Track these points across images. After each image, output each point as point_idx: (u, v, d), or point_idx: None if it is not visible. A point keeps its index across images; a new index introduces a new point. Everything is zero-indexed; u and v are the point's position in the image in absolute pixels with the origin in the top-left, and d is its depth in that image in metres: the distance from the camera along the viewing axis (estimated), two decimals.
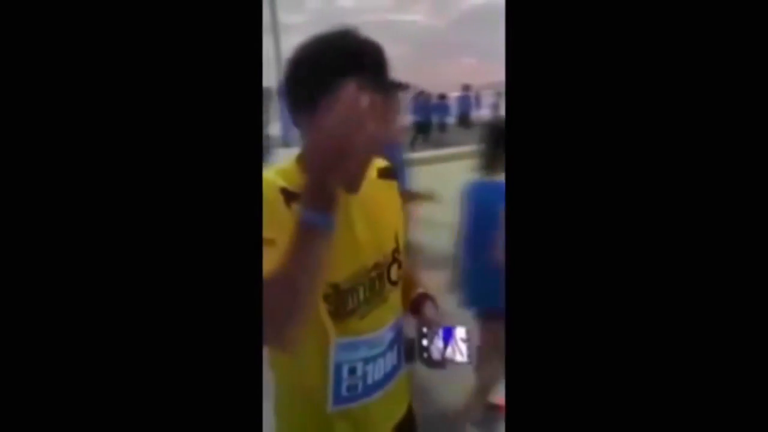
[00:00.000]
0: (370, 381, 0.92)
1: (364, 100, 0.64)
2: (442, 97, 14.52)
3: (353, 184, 0.67)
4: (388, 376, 0.96)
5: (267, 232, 0.68)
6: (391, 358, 0.95)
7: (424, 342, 0.98)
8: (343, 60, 0.79)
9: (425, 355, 0.98)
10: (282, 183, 0.82)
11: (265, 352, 0.86)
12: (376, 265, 0.92)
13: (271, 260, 0.66)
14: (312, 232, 0.66)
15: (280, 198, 0.80)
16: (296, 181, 0.79)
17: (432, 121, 13.31)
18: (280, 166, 0.88)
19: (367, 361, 0.91)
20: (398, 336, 0.98)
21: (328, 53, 0.81)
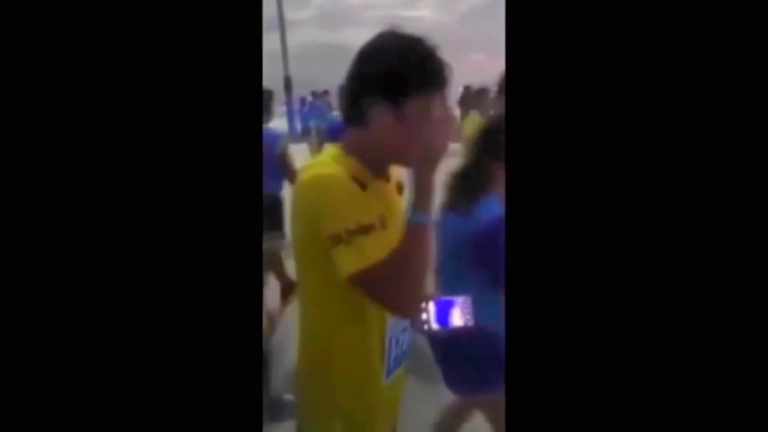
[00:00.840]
0: (404, 348, 1.05)
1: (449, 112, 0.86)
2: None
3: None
4: (410, 345, 1.08)
5: (365, 219, 0.84)
6: (410, 330, 1.07)
7: (424, 315, 1.11)
8: (422, 68, 0.87)
9: (426, 327, 1.11)
10: (348, 173, 0.89)
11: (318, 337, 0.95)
12: None
13: (379, 242, 0.84)
14: (422, 230, 0.85)
15: (357, 188, 0.88)
16: (357, 170, 0.90)
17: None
18: (333, 157, 0.93)
19: (403, 331, 1.02)
20: None
21: (405, 57, 0.86)
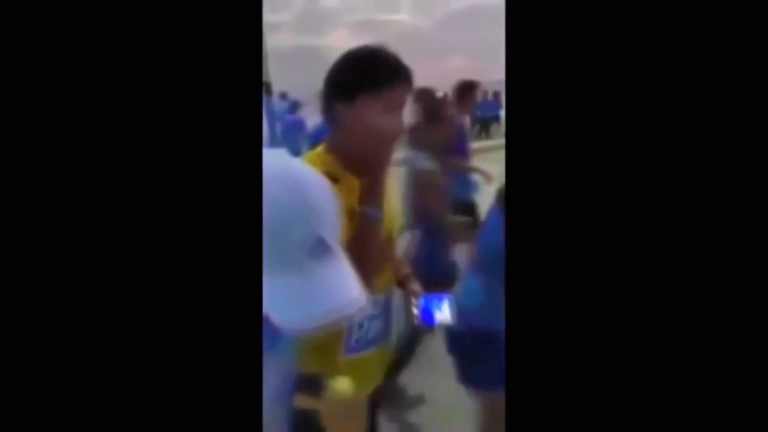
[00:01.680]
0: (369, 336, 1.10)
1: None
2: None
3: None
4: (380, 336, 1.14)
5: None
6: (382, 321, 1.13)
7: (415, 311, 1.17)
8: (387, 72, 0.99)
9: (415, 321, 1.16)
10: (322, 168, 0.97)
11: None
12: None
13: None
14: (371, 221, 0.97)
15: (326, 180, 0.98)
16: (332, 166, 1.02)
17: (490, 116, 14.43)
18: (317, 153, 1.06)
19: (370, 318, 1.08)
20: (388, 304, 1.15)
21: (373, 64, 0.99)
